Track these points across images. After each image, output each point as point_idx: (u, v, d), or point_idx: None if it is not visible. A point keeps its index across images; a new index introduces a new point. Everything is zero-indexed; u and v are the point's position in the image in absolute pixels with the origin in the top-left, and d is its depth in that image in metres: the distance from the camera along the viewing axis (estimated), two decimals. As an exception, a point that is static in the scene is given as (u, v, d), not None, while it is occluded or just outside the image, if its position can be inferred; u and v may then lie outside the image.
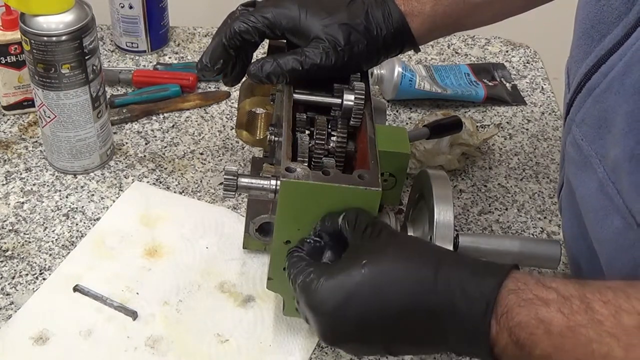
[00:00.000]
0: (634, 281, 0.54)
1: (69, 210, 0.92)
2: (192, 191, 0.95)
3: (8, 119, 1.04)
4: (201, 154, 1.01)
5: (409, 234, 0.76)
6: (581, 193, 0.66)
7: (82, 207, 0.92)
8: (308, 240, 0.66)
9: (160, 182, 0.96)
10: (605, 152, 0.61)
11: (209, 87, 1.12)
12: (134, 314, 0.80)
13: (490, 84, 1.14)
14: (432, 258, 0.59)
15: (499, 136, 1.06)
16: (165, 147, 1.01)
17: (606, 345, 0.51)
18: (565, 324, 0.52)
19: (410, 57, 1.17)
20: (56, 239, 0.88)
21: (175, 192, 0.95)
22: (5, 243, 0.88)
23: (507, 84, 1.15)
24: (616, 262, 0.63)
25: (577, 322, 0.52)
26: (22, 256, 0.86)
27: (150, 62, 1.16)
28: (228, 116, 1.07)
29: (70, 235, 0.89)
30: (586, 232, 0.68)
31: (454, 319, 0.56)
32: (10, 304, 0.81)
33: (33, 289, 0.83)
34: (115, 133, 1.03)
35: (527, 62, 1.20)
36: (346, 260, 0.61)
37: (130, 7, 1.13)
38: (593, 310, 0.52)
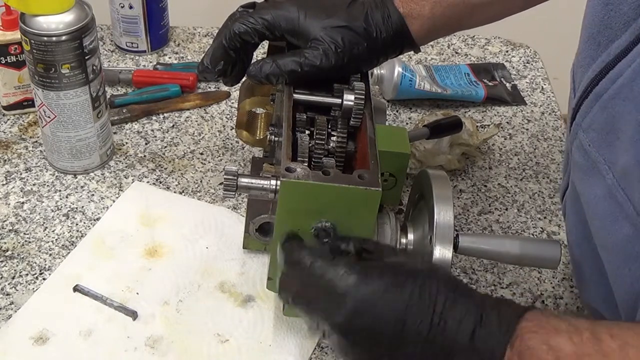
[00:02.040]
0: None
1: (69, 210, 0.92)
2: (192, 191, 0.95)
3: (8, 119, 1.04)
4: (201, 154, 1.01)
5: (409, 234, 0.76)
6: (587, 198, 0.66)
7: (82, 207, 0.92)
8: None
9: (160, 182, 0.96)
10: (614, 159, 0.61)
11: (209, 87, 1.12)
12: (134, 314, 0.80)
13: (490, 84, 1.14)
14: (476, 298, 0.59)
15: (499, 136, 1.06)
16: (165, 147, 1.01)
17: None
18: (574, 352, 0.53)
19: (410, 57, 1.17)
20: (56, 239, 0.88)
21: (175, 192, 0.95)
22: (5, 243, 0.88)
23: (507, 84, 1.15)
24: (623, 268, 0.63)
25: (585, 351, 0.53)
26: (22, 256, 0.86)
27: (150, 62, 1.16)
28: (228, 116, 1.07)
29: (70, 235, 0.89)
30: (591, 237, 0.68)
31: (471, 347, 0.56)
32: (10, 304, 0.81)
33: (33, 289, 0.83)
34: (115, 133, 1.03)
35: (527, 62, 1.20)
36: (389, 266, 0.61)
37: (130, 7, 1.13)
38: (601, 342, 0.53)
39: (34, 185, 0.95)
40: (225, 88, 1.10)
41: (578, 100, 0.66)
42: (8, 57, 0.99)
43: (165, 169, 0.98)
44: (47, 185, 0.95)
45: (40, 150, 0.99)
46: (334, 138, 0.73)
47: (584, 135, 0.65)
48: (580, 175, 0.67)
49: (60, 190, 0.94)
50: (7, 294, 0.82)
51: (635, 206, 0.59)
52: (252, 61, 0.78)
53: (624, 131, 0.59)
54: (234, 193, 0.68)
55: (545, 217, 0.95)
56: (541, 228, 0.93)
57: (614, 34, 0.61)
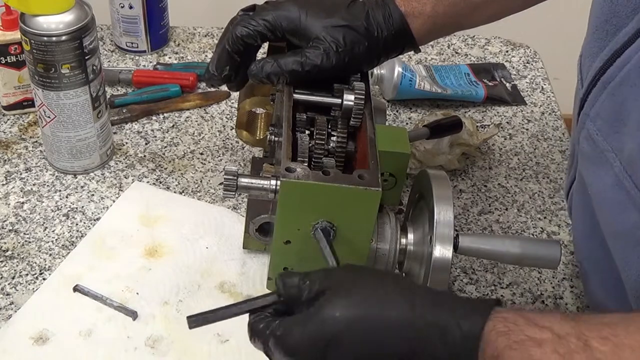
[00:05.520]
0: (630, 314, 0.51)
1: (69, 210, 0.92)
2: (192, 191, 0.95)
3: (8, 119, 1.04)
4: (201, 154, 1.01)
5: (409, 234, 0.76)
6: (596, 188, 0.66)
7: (82, 207, 0.92)
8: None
9: (160, 182, 0.96)
10: (621, 146, 0.61)
11: (209, 87, 1.12)
12: (134, 314, 0.80)
13: (490, 84, 1.14)
14: (407, 296, 0.54)
15: (499, 136, 1.06)
16: (165, 147, 1.01)
17: None
18: None
19: (410, 57, 1.17)
20: (56, 239, 0.88)
21: (175, 192, 0.95)
22: (5, 243, 0.88)
23: (507, 84, 1.15)
24: (632, 255, 0.63)
25: None
26: (22, 256, 0.86)
27: (150, 62, 1.16)
28: (228, 116, 1.07)
29: (70, 235, 0.89)
30: (599, 229, 0.68)
31: None
32: (10, 304, 0.81)
33: (33, 289, 0.83)
34: (115, 133, 1.03)
35: (527, 62, 1.20)
36: (316, 307, 0.56)
37: (130, 7, 1.13)
38: (592, 348, 0.48)
39: (34, 185, 0.95)
40: (225, 88, 1.10)
41: (586, 89, 0.66)
42: (8, 57, 0.99)
43: (165, 169, 0.98)
44: (47, 185, 0.95)
45: (40, 150, 0.99)
46: (334, 138, 0.73)
47: (591, 124, 0.65)
48: (588, 166, 0.67)
49: (60, 190, 0.94)
50: (7, 294, 0.82)
51: None
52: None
53: (631, 117, 0.59)
54: (234, 193, 0.68)
55: (545, 217, 0.95)
56: (541, 228, 0.93)
57: (622, 22, 0.62)
